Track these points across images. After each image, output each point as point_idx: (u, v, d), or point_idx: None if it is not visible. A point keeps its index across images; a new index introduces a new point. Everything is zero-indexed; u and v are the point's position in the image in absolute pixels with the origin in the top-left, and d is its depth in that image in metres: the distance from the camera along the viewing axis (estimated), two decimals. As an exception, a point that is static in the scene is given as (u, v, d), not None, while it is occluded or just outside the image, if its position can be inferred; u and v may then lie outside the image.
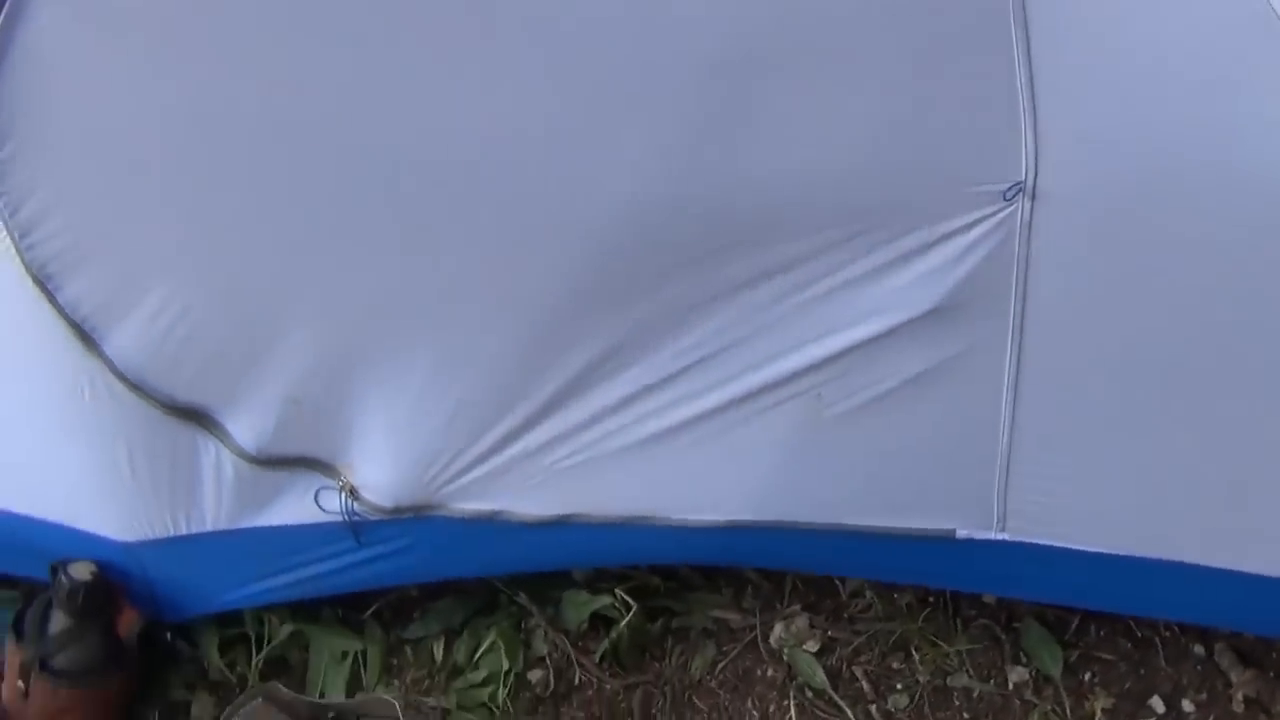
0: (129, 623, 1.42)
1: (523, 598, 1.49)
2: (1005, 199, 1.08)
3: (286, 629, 1.48)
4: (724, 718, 1.42)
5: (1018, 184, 1.07)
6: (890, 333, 1.17)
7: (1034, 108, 1.03)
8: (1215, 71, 1.01)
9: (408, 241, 1.16)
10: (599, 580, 1.48)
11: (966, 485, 1.25)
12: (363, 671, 1.48)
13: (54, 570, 1.39)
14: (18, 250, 1.13)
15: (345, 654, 1.49)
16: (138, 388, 1.22)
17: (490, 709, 1.42)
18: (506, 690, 1.43)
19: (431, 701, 1.43)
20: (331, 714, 1.39)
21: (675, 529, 1.32)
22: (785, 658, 1.45)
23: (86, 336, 1.19)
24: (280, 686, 1.37)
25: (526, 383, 1.25)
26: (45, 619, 1.39)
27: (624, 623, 1.44)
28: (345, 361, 1.26)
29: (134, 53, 1.04)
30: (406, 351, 1.25)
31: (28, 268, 1.13)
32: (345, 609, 1.49)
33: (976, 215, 1.10)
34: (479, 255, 1.17)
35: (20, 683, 1.37)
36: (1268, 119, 1.01)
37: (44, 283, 1.15)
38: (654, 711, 1.43)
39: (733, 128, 1.05)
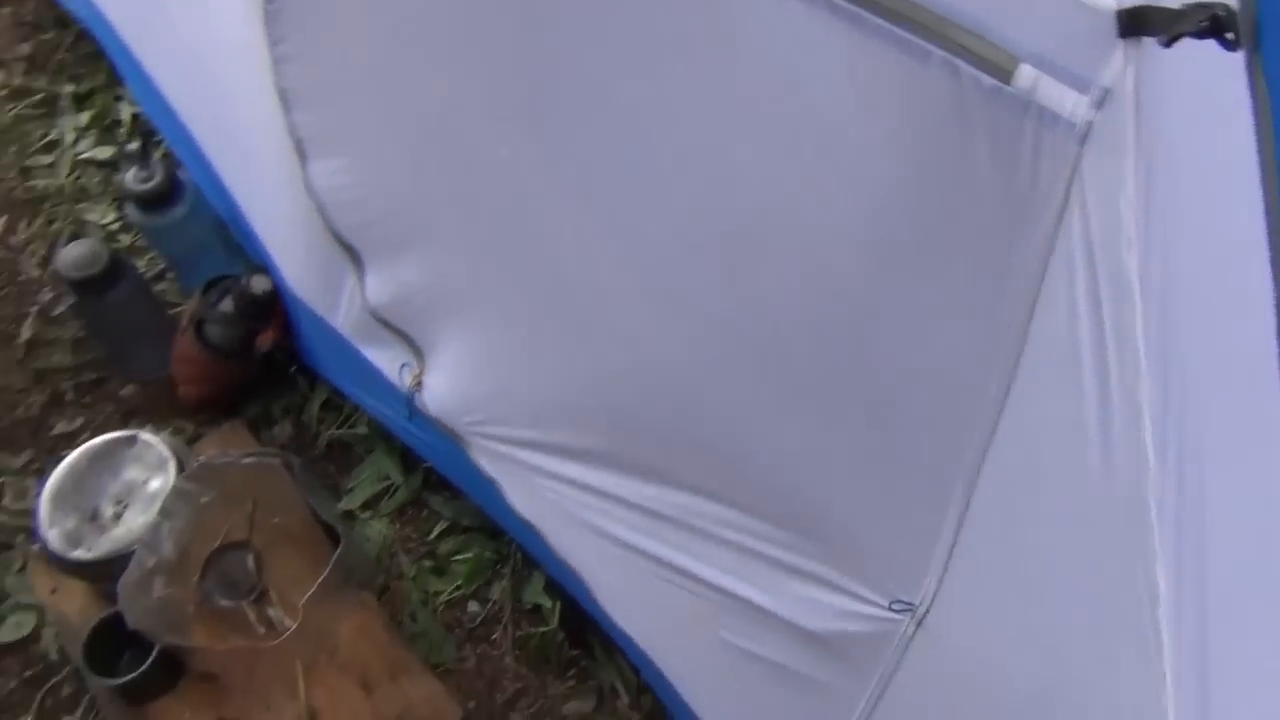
0: (266, 340, 1.71)
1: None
2: (891, 609, 0.96)
3: (363, 430, 1.72)
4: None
5: (908, 604, 0.95)
6: (776, 619, 1.10)
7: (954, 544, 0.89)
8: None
9: (564, 220, 1.13)
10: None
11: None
12: (385, 500, 1.70)
13: (246, 271, 1.70)
14: (274, 70, 1.31)
15: (386, 480, 1.71)
16: (319, 208, 1.41)
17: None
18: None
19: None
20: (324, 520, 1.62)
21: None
22: None
23: (300, 151, 1.38)
24: (299, 467, 1.60)
25: (566, 420, 1.29)
26: (221, 297, 1.72)
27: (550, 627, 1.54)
28: (459, 290, 1.35)
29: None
30: (507, 320, 1.32)
31: (275, 84, 1.32)
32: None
33: (870, 596, 0.99)
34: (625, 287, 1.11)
35: (188, 339, 1.73)
36: None
37: (282, 99, 1.33)
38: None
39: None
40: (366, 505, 1.70)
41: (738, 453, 1.06)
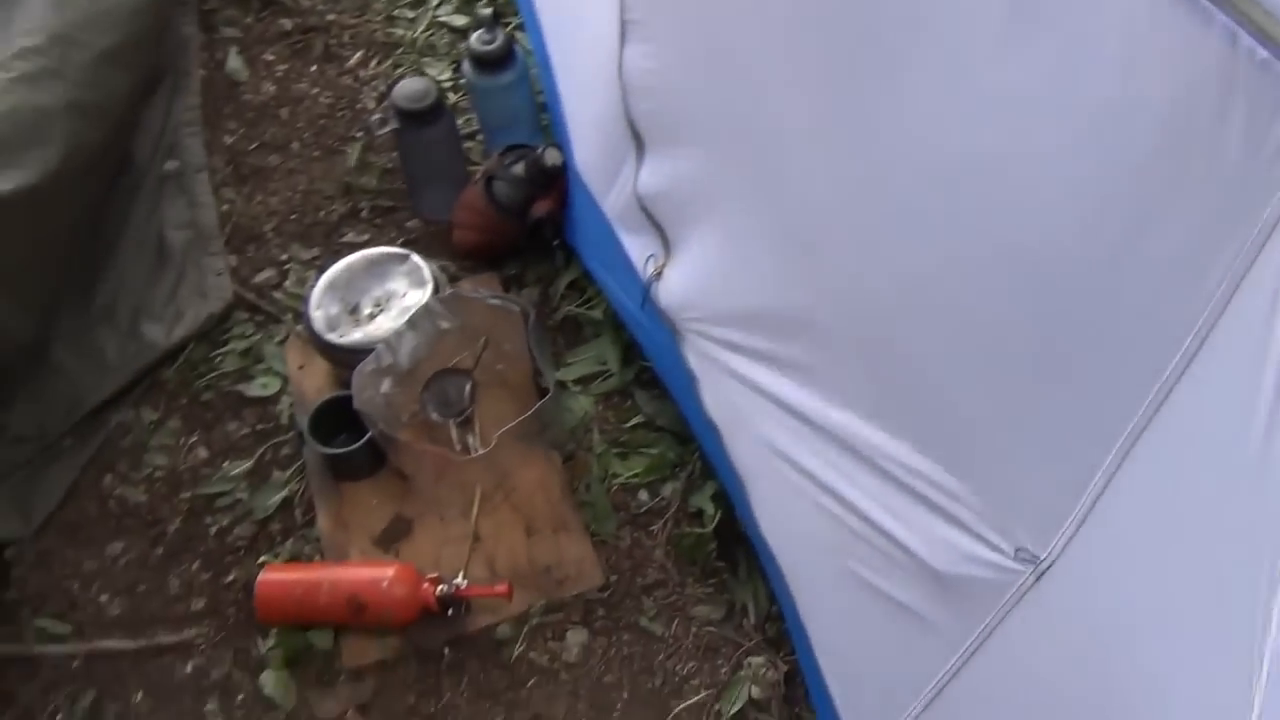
0: (542, 207, 1.87)
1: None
2: (1016, 557, 0.99)
3: (598, 315, 1.86)
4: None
5: (1034, 556, 0.98)
6: (908, 554, 1.15)
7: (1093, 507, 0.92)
8: None
9: (843, 166, 1.18)
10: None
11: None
12: (596, 382, 1.83)
13: (543, 145, 1.87)
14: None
15: (603, 364, 1.85)
16: (623, 90, 1.54)
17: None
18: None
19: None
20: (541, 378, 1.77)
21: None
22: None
23: (623, 33, 1.51)
24: (534, 320, 1.74)
25: (773, 327, 1.36)
26: (516, 161, 1.89)
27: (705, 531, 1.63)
28: (715, 193, 1.43)
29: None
30: (748, 230, 1.40)
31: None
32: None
33: (999, 543, 1.03)
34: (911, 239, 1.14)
35: (477, 190, 1.91)
36: None
37: None
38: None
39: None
40: (579, 381, 1.83)
41: (919, 387, 1.11)
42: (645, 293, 1.60)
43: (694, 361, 1.51)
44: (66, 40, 1.93)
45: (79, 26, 1.96)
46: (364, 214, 2.08)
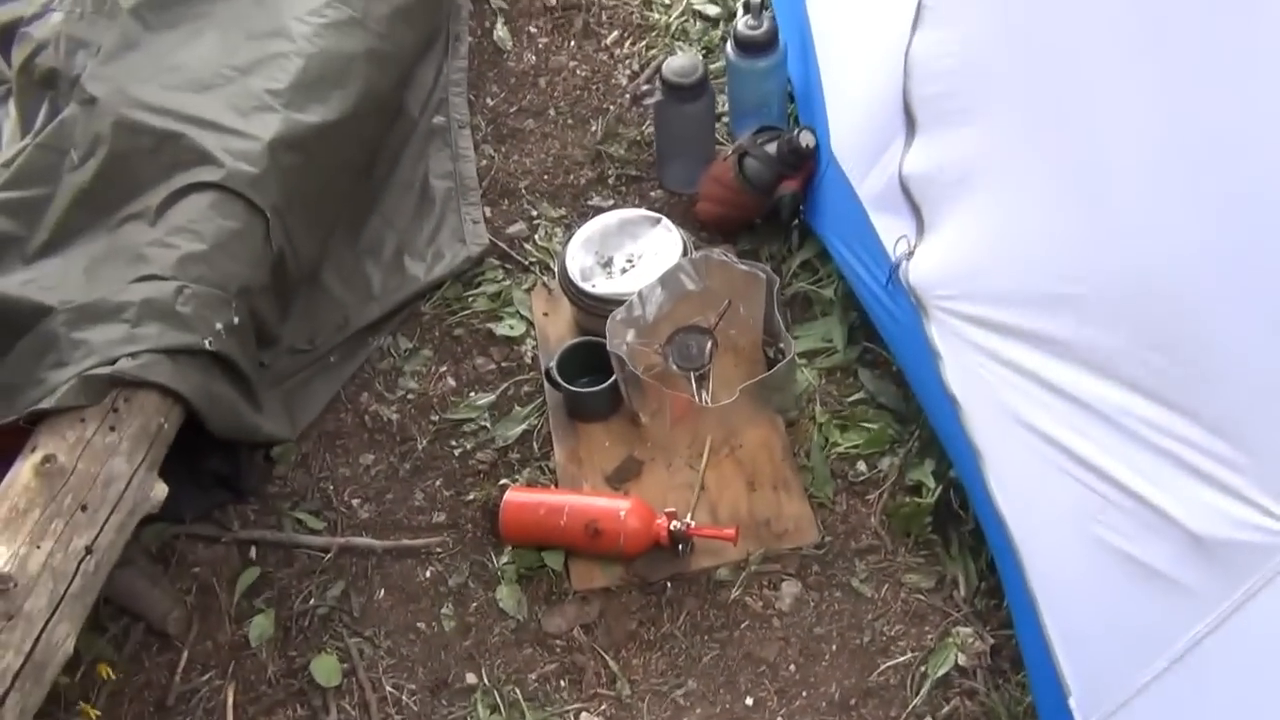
0: (789, 187, 1.97)
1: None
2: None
3: (829, 294, 1.96)
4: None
5: None
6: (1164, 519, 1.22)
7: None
8: None
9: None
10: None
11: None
12: (821, 358, 1.93)
13: (796, 127, 1.97)
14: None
15: (829, 341, 1.94)
16: (906, 73, 1.63)
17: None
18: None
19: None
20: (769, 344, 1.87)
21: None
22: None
23: (917, 18, 1.59)
24: (777, 287, 1.83)
25: (1033, 306, 1.42)
26: (768, 141, 2.00)
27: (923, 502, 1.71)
28: (985, 172, 1.49)
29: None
30: (1018, 208, 1.45)
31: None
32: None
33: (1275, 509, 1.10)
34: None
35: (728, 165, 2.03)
36: None
37: None
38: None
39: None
40: (805, 355, 1.92)
41: (1197, 357, 1.17)
42: (892, 271, 1.69)
43: (938, 338, 1.59)
44: (369, -7, 2.12)
45: (380, -18, 2.15)
46: (610, 180, 2.22)
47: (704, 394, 1.84)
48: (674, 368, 1.86)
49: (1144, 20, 1.24)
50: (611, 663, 1.65)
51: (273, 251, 1.84)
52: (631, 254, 1.92)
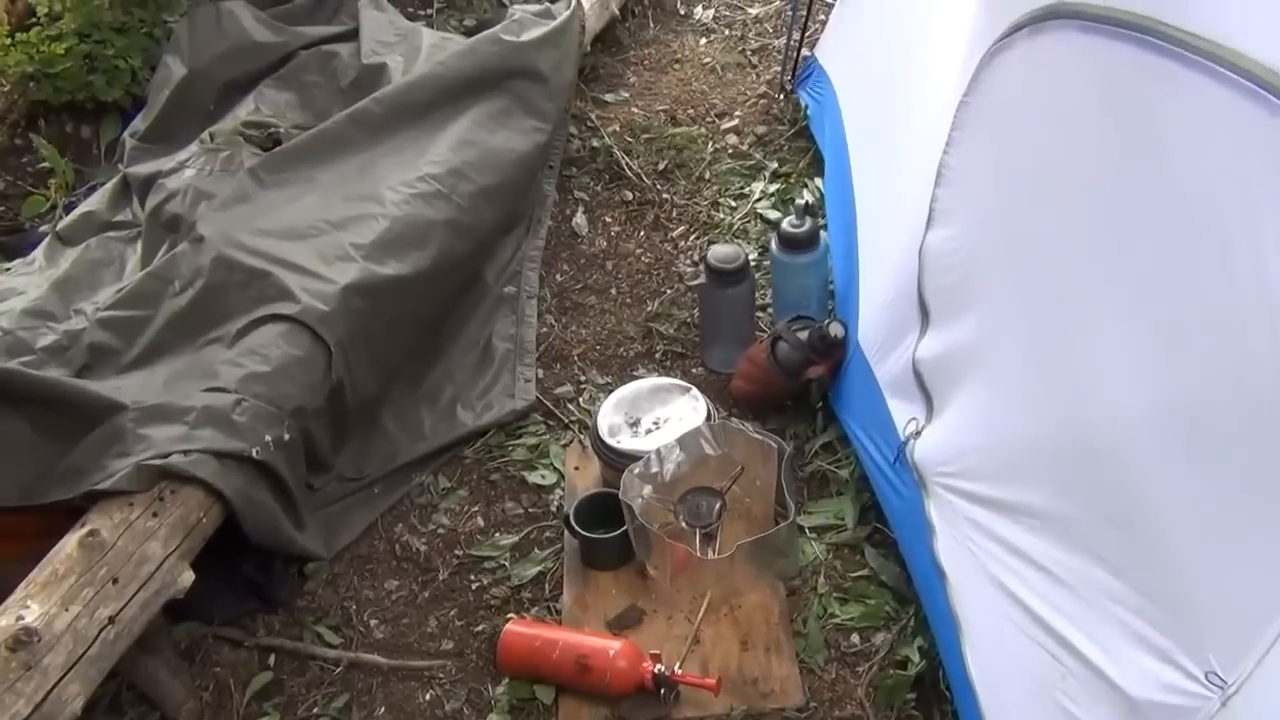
0: (817, 371, 2.09)
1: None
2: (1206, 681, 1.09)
3: (845, 475, 2.04)
4: None
5: (1222, 681, 1.07)
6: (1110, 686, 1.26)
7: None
8: None
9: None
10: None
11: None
12: (830, 533, 1.99)
13: (829, 319, 2.11)
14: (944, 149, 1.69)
15: (841, 519, 2.01)
16: (920, 269, 1.76)
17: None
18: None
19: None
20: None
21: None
22: None
23: (931, 219, 1.72)
24: (789, 458, 1.94)
25: (1019, 476, 1.50)
26: (802, 328, 2.14)
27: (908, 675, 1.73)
28: (984, 354, 1.60)
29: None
30: (1009, 389, 1.55)
31: (940, 160, 1.69)
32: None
33: (1191, 669, 1.13)
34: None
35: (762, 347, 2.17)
36: None
37: (938, 173, 1.70)
38: None
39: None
40: (816, 529, 1.99)
41: (1148, 529, 1.22)
42: (900, 451, 1.78)
43: (935, 513, 1.66)
44: (459, 174, 2.39)
45: (471, 166, 2.42)
46: (657, 355, 2.37)
47: (709, 550, 1.91)
48: (684, 525, 1.95)
49: (1110, 223, 1.35)
50: (584, 800, 1.68)
51: (332, 380, 2.03)
52: (659, 417, 2.05)
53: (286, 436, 1.91)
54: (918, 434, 1.74)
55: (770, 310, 2.37)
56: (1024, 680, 1.43)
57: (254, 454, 1.83)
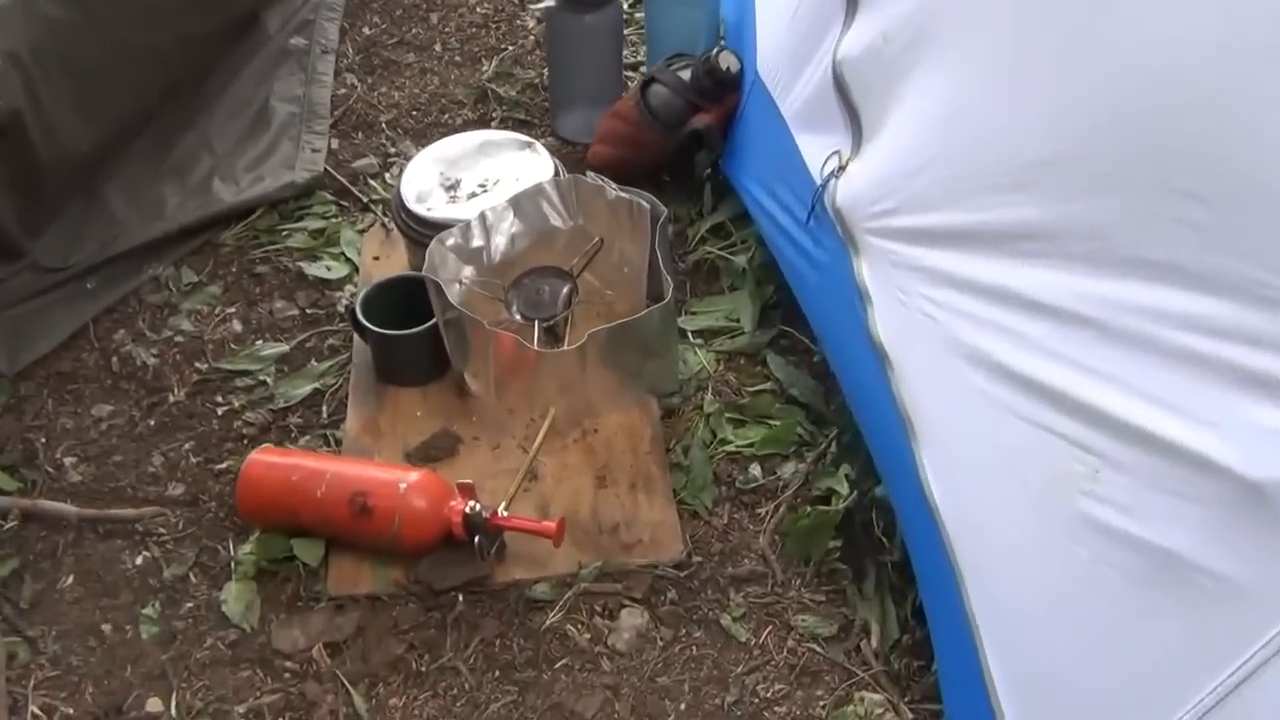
0: (703, 119, 1.54)
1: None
2: None
3: (740, 265, 1.50)
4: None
5: None
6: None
7: None
8: None
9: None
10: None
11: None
12: (722, 339, 1.45)
13: (718, 49, 1.55)
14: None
15: (735, 321, 1.47)
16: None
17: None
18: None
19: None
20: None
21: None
22: None
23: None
24: (665, 220, 1.37)
25: (1001, 185, 0.99)
26: (683, 68, 1.57)
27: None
28: (938, 29, 1.10)
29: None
30: (979, 63, 1.05)
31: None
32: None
33: None
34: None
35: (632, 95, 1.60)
36: None
37: None
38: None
39: None
40: (702, 334, 1.46)
41: (1243, 192, 0.71)
42: (816, 198, 1.25)
43: (868, 275, 1.14)
44: None
45: None
46: (493, 124, 1.79)
47: (550, 345, 1.36)
48: (518, 318, 1.38)
49: None
50: (357, 699, 1.13)
51: (5, 109, 1.38)
52: (486, 178, 1.47)
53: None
54: (841, 169, 1.21)
55: (643, 68, 1.80)
56: (1018, 488, 0.92)
57: None
